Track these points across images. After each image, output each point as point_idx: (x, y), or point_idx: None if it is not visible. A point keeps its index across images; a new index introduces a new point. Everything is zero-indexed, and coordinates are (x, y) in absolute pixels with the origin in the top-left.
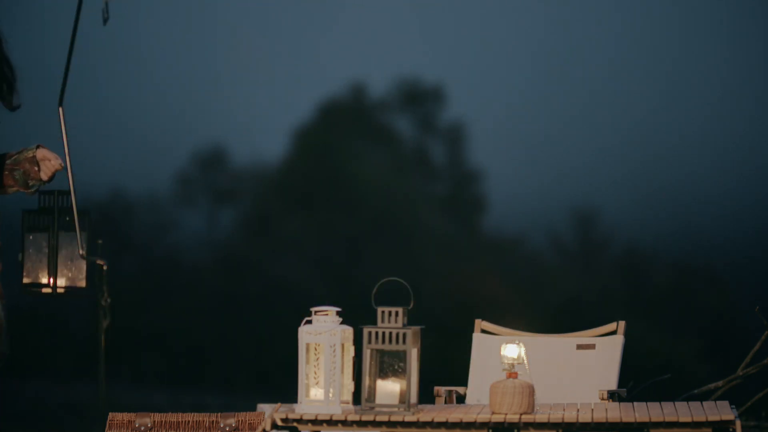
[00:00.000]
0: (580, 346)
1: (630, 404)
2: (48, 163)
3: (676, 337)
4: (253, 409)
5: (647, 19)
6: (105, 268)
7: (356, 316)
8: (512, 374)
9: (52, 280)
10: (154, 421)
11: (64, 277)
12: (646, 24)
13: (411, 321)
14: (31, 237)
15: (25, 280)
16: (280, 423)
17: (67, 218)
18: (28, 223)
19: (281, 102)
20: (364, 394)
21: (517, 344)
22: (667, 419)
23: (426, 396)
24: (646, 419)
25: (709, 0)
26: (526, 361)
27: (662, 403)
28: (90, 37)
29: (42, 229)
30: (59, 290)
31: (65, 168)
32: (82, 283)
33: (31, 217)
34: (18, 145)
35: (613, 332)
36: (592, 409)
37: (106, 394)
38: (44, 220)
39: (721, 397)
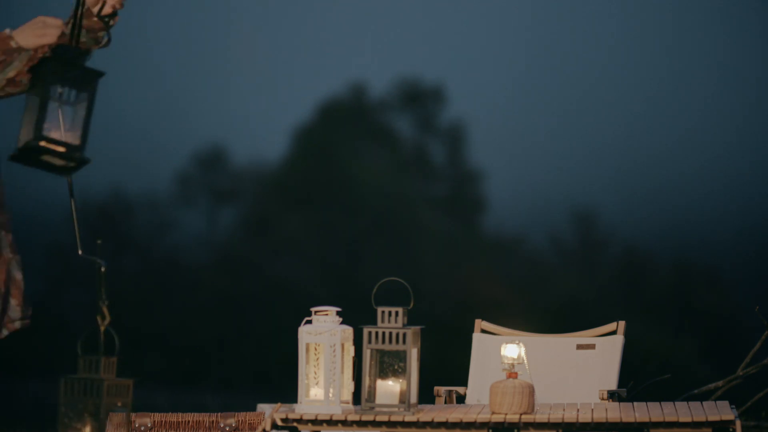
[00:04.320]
0: (580, 346)
1: (630, 404)
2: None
3: (676, 337)
4: (253, 409)
5: (643, 19)
6: (103, 269)
7: (356, 316)
8: (512, 374)
9: None
10: (154, 421)
11: None
12: (642, 24)
13: (411, 321)
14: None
15: None
16: (280, 423)
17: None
18: None
19: (281, 102)
20: (364, 394)
21: (517, 344)
22: (667, 419)
23: (426, 396)
24: (646, 419)
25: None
26: (526, 361)
27: (662, 403)
28: None
29: None
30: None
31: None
32: None
33: None
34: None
35: (613, 332)
36: (592, 409)
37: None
38: None
39: (721, 397)
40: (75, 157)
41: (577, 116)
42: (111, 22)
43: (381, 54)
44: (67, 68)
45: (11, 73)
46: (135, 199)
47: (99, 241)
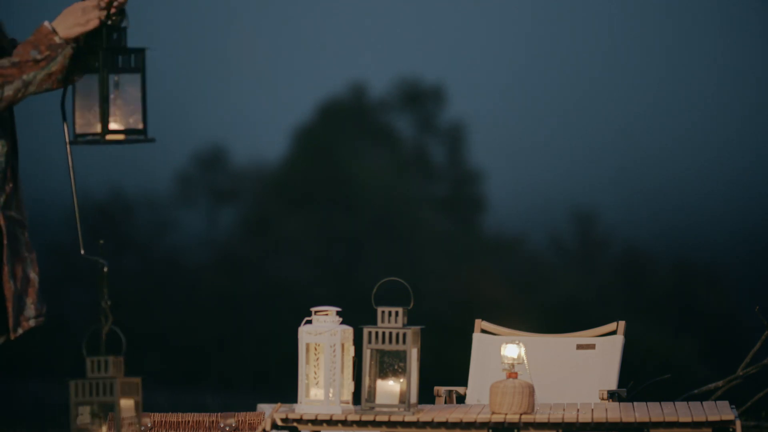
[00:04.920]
0: (580, 346)
1: (630, 404)
2: None
3: (676, 337)
4: (253, 409)
5: (643, 19)
6: (105, 270)
7: (356, 316)
8: (512, 374)
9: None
10: (154, 421)
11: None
12: (642, 24)
13: (411, 321)
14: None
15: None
16: (280, 423)
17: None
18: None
19: (281, 102)
20: (364, 394)
21: (517, 344)
22: (667, 419)
23: (426, 396)
24: (646, 419)
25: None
26: (526, 361)
27: (662, 403)
28: None
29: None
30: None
31: (68, 162)
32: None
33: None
34: (25, 140)
35: (613, 332)
36: (592, 409)
37: None
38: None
39: (721, 397)
40: (140, 140)
41: (577, 116)
42: (118, 19)
43: (381, 54)
44: (115, 53)
45: (54, 67)
46: (135, 199)
47: (101, 242)
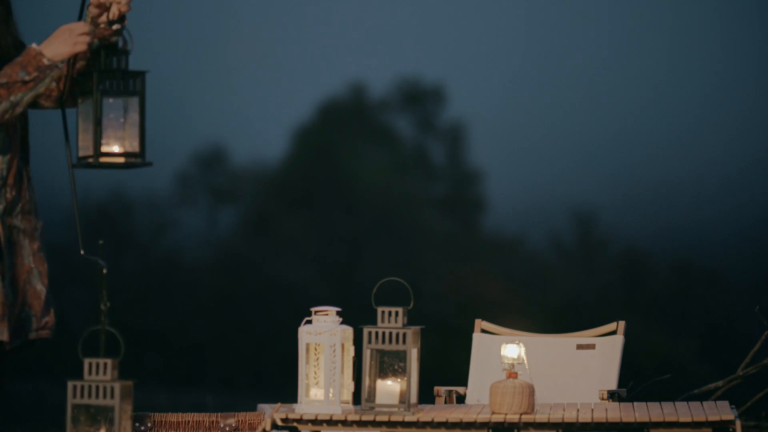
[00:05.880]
0: (580, 346)
1: (630, 404)
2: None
3: (676, 337)
4: (253, 409)
5: (643, 19)
6: (104, 271)
7: (356, 316)
8: (512, 374)
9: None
10: (154, 421)
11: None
12: (642, 24)
13: (411, 321)
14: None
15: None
16: (280, 423)
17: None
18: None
19: (281, 102)
20: (364, 394)
21: (517, 344)
22: (667, 419)
23: (426, 396)
24: (646, 419)
25: (703, 1)
26: (526, 361)
27: (662, 403)
28: None
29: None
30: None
31: (68, 165)
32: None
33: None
34: (35, 138)
35: (613, 332)
36: (592, 409)
37: None
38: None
39: (721, 397)
40: (136, 163)
41: (577, 116)
42: (120, 27)
43: (381, 54)
44: (113, 75)
45: (41, 88)
46: (135, 199)
47: (101, 242)
